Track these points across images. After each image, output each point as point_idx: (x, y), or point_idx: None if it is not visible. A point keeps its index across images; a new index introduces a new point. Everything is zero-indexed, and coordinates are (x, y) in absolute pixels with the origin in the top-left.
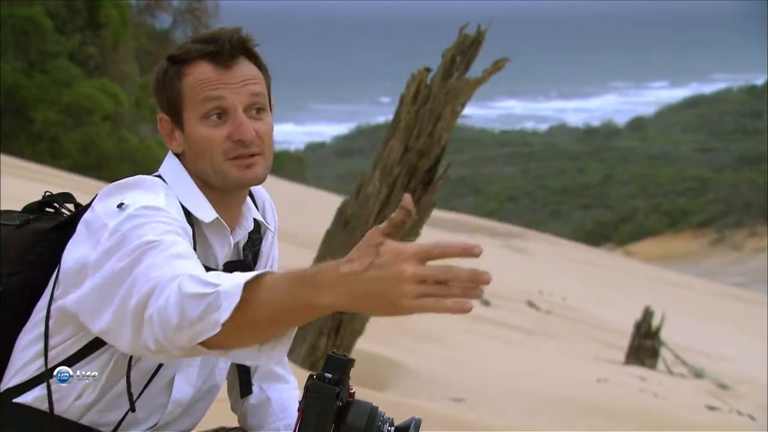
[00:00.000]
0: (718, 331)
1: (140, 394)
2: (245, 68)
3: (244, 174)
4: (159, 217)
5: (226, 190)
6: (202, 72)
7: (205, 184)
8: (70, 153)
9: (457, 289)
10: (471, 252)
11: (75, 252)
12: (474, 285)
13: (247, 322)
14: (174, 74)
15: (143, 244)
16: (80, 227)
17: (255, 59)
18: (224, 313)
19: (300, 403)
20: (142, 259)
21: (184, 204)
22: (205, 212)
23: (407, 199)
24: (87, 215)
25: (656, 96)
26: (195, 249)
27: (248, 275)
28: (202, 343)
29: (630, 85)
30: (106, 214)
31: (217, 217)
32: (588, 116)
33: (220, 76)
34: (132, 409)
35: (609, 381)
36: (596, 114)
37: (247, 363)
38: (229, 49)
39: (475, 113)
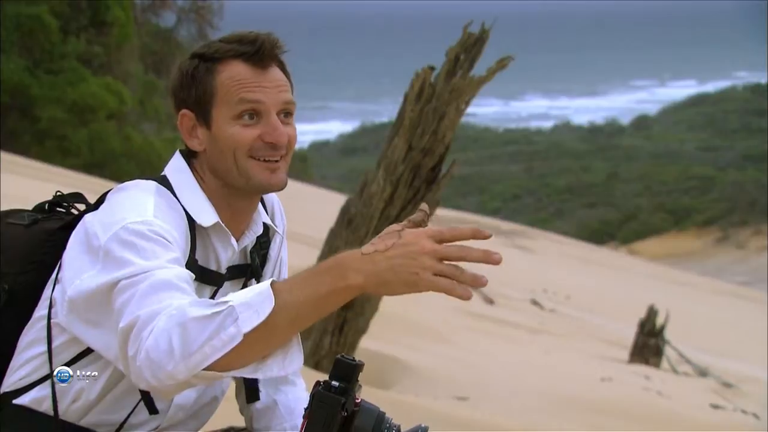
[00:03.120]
0: (723, 329)
1: (143, 396)
2: (277, 73)
3: (269, 178)
4: (147, 234)
5: (246, 193)
6: (237, 72)
7: (225, 185)
8: (76, 151)
9: (467, 277)
10: (481, 235)
11: (69, 255)
12: (489, 261)
13: (268, 330)
14: (206, 71)
15: (128, 266)
16: (79, 228)
17: (283, 65)
18: (247, 323)
19: (305, 410)
20: (124, 288)
21: (185, 206)
22: (205, 216)
23: (425, 206)
24: (88, 217)
25: (683, 94)
26: (195, 250)
27: (263, 284)
28: (209, 367)
29: (655, 83)
30: (101, 225)
31: (217, 222)
32: (609, 114)
33: (257, 78)
34: (152, 410)
35: (613, 380)
36: (620, 113)
37: (257, 376)
38: (268, 51)
39: (498, 111)
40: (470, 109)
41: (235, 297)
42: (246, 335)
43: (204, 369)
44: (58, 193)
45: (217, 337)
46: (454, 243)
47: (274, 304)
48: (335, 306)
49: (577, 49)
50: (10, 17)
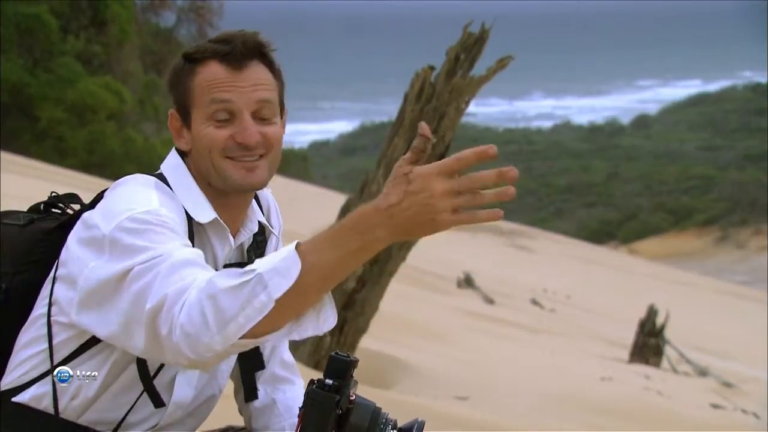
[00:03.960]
0: (723, 329)
1: (141, 393)
2: (257, 72)
3: (245, 177)
4: (154, 222)
5: (228, 193)
6: (212, 72)
7: (208, 185)
8: (76, 151)
9: (489, 196)
10: (486, 154)
11: (70, 252)
12: (504, 179)
13: (298, 292)
14: (186, 72)
15: (140, 252)
16: (78, 224)
17: (269, 64)
18: (276, 289)
19: (300, 409)
20: (140, 273)
21: (182, 202)
22: (203, 213)
23: (423, 126)
24: (86, 214)
25: (689, 94)
26: (193, 246)
27: (288, 248)
28: (245, 335)
29: (661, 83)
30: (103, 216)
31: (215, 218)
32: (615, 114)
33: (231, 77)
34: (158, 404)
35: (613, 379)
36: (626, 113)
37: (293, 338)
38: (242, 50)
39: (504, 110)
40: (475, 109)
41: (262, 264)
42: (277, 301)
43: (240, 338)
44: (53, 194)
45: (250, 306)
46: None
47: (300, 267)
48: (363, 261)
49: (584, 48)
50: (10, 16)
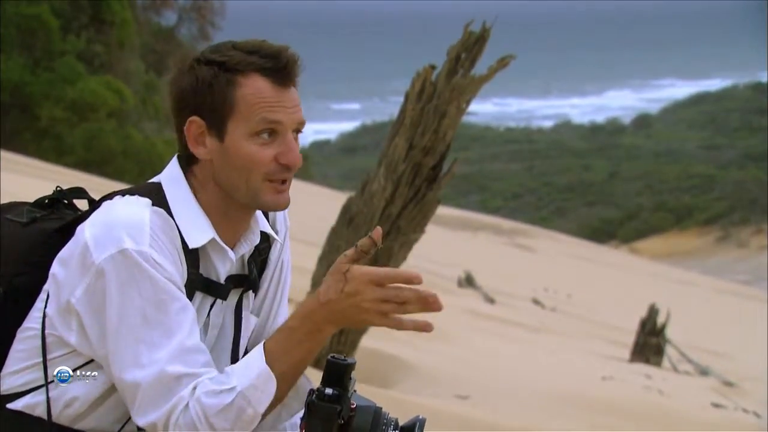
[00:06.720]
0: (724, 328)
1: None
2: (294, 91)
3: (277, 199)
4: (145, 270)
5: (234, 206)
6: (260, 88)
7: (226, 196)
8: (75, 150)
9: (415, 308)
10: (412, 281)
11: (61, 270)
12: (425, 305)
13: (277, 397)
14: (226, 82)
15: (134, 311)
16: (72, 243)
17: (296, 82)
18: (259, 404)
19: (302, 420)
20: (137, 331)
21: (177, 222)
22: (199, 235)
23: (377, 231)
24: (79, 230)
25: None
26: (198, 265)
27: (260, 362)
28: None
29: (677, 82)
30: (95, 240)
31: (213, 238)
32: (630, 113)
33: (279, 96)
34: None
35: (614, 378)
36: (639, 112)
37: (283, 421)
38: (291, 69)
39: (520, 110)
40: (488, 108)
41: (239, 378)
42: (263, 414)
43: None
44: (58, 188)
45: (240, 421)
46: (395, 285)
47: (275, 382)
48: (322, 345)
49: (600, 48)
50: (10, 16)
